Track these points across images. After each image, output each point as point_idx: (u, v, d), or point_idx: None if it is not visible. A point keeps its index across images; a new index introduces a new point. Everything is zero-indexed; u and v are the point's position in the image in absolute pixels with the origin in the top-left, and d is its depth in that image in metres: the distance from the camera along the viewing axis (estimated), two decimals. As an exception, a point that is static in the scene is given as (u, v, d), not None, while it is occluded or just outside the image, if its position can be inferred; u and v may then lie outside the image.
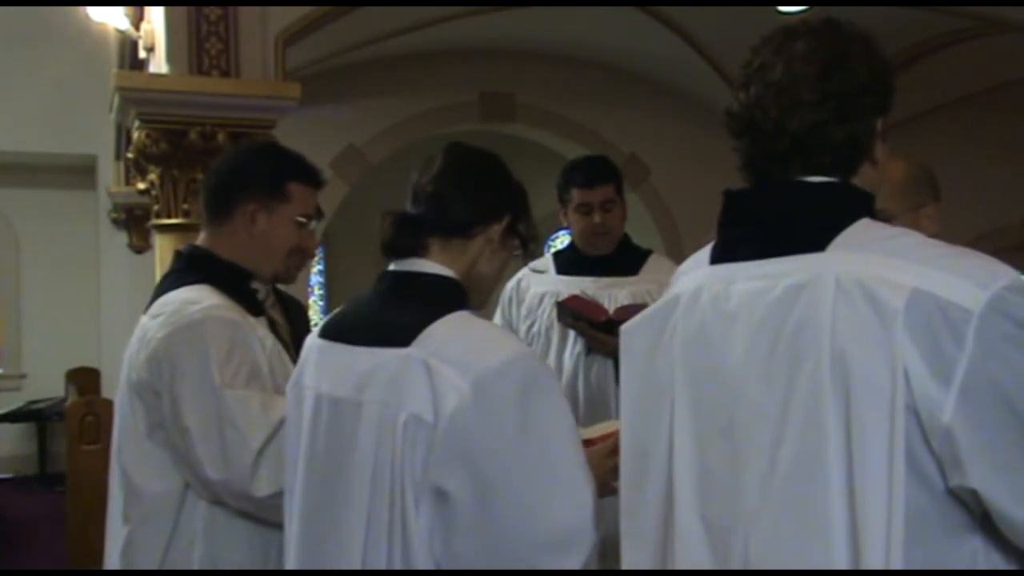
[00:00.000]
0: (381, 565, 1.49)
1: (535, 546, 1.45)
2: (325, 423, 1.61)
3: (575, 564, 1.47)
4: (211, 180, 2.18)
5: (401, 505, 1.47)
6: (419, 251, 1.64)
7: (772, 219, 1.33)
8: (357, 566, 1.51)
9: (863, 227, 1.27)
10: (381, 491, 1.49)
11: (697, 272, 1.41)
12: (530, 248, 1.76)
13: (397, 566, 1.48)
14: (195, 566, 1.97)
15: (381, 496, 1.49)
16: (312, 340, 1.73)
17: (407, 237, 1.65)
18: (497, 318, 3.36)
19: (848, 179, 1.33)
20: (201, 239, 2.18)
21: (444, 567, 1.48)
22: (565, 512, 1.47)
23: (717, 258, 1.39)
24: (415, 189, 1.68)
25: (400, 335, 1.53)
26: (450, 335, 1.51)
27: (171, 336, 1.97)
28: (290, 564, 1.68)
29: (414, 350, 1.50)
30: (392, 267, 1.67)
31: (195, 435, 1.91)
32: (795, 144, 1.31)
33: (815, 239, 1.26)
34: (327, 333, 1.70)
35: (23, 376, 9.46)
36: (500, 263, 1.72)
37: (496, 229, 1.67)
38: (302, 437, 1.66)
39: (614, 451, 1.76)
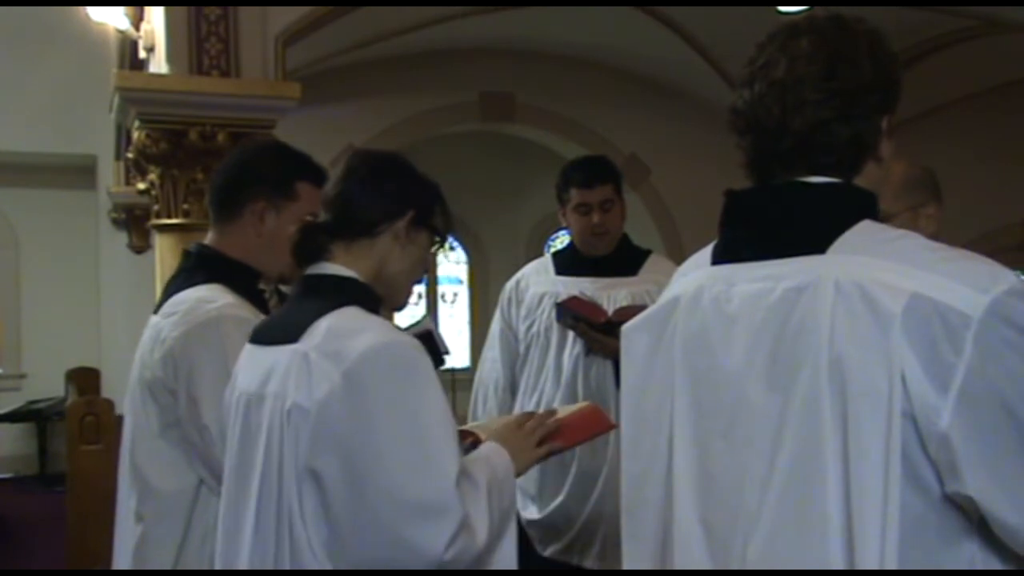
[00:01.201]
0: (270, 550, 1.61)
1: (400, 515, 1.53)
2: (241, 418, 1.71)
3: (443, 533, 1.53)
4: (218, 179, 2.18)
5: (286, 491, 1.59)
6: (324, 255, 1.72)
7: (773, 220, 1.32)
8: (247, 551, 1.62)
9: (864, 229, 1.26)
10: (270, 478, 1.61)
11: (698, 272, 1.41)
12: (446, 241, 1.83)
13: (285, 550, 1.59)
14: (206, 564, 1.98)
15: (270, 483, 1.61)
16: (245, 346, 1.82)
17: (310, 243, 1.73)
18: (496, 319, 3.37)
19: (852, 178, 1.31)
20: (208, 239, 2.18)
21: (329, 549, 1.56)
22: (428, 485, 1.55)
23: (718, 258, 1.38)
24: (322, 198, 1.77)
25: (292, 332, 1.65)
26: (331, 328, 1.61)
27: (187, 335, 1.98)
28: (217, 553, 1.77)
29: (301, 344, 1.62)
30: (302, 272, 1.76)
31: (214, 433, 1.93)
32: (798, 143, 1.30)
33: (816, 241, 1.25)
34: (252, 338, 1.80)
35: (23, 376, 9.46)
36: (413, 259, 1.77)
37: (400, 225, 1.73)
38: (231, 433, 1.76)
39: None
